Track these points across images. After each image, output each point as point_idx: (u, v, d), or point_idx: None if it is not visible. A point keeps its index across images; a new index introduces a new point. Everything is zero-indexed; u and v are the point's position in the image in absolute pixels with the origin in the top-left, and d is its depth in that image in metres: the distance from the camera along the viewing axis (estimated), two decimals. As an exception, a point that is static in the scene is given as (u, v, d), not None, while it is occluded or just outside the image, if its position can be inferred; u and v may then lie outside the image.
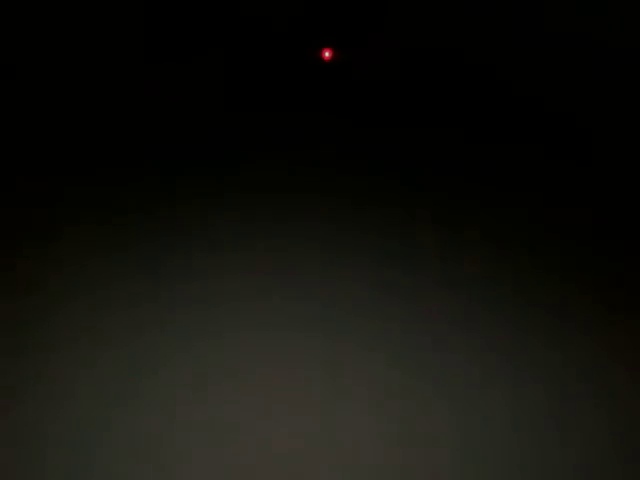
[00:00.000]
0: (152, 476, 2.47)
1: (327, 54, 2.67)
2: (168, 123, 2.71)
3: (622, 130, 2.72)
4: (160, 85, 2.72)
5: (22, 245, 2.60)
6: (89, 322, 2.56)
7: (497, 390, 2.57)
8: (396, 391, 2.57)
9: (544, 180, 2.72)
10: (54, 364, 2.53)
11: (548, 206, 2.70)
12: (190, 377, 2.54)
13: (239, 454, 2.50)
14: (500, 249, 2.68)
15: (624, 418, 2.56)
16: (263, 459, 2.50)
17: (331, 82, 2.74)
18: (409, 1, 2.64)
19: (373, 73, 2.74)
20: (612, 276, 2.65)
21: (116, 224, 2.63)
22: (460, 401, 2.56)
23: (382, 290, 2.63)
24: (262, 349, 2.58)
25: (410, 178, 2.71)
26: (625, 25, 2.52)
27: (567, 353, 2.60)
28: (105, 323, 2.57)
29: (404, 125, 2.74)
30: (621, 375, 2.58)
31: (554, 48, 2.64)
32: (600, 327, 2.62)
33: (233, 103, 2.74)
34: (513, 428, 2.54)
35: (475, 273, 2.65)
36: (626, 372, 2.58)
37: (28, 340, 2.54)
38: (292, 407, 2.55)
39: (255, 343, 2.58)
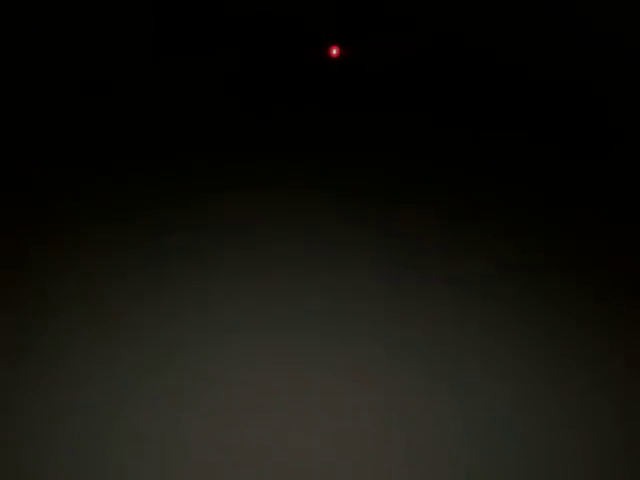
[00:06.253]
0: (154, 473, 2.47)
1: (334, 51, 2.67)
2: (171, 122, 2.71)
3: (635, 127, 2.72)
4: (164, 84, 2.72)
5: (22, 245, 2.61)
6: (89, 322, 2.57)
7: (502, 388, 2.58)
8: (399, 389, 2.57)
9: (550, 178, 2.72)
10: (55, 364, 2.54)
11: (551, 205, 2.70)
12: (191, 377, 2.54)
13: (240, 453, 2.50)
14: (503, 248, 2.68)
15: (625, 414, 2.56)
16: (263, 458, 2.50)
17: (337, 79, 2.74)
18: None
19: (379, 70, 2.74)
20: (614, 275, 2.66)
21: (117, 224, 2.64)
22: (465, 398, 2.56)
23: (385, 288, 2.64)
24: (264, 348, 2.58)
25: (416, 175, 2.71)
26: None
27: (569, 350, 2.61)
28: (106, 323, 2.57)
29: (407, 123, 2.74)
30: (621, 371, 2.59)
31: (564, 40, 2.63)
32: (602, 325, 2.62)
33: (238, 101, 2.74)
34: (518, 428, 2.55)
35: (479, 271, 2.65)
36: (626, 367, 2.59)
37: (29, 340, 2.54)
38: (293, 406, 2.55)
39: (257, 341, 2.59)
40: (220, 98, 2.73)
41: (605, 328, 2.62)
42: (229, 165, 2.70)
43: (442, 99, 2.75)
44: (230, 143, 2.71)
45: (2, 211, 2.61)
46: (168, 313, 2.59)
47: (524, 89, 2.75)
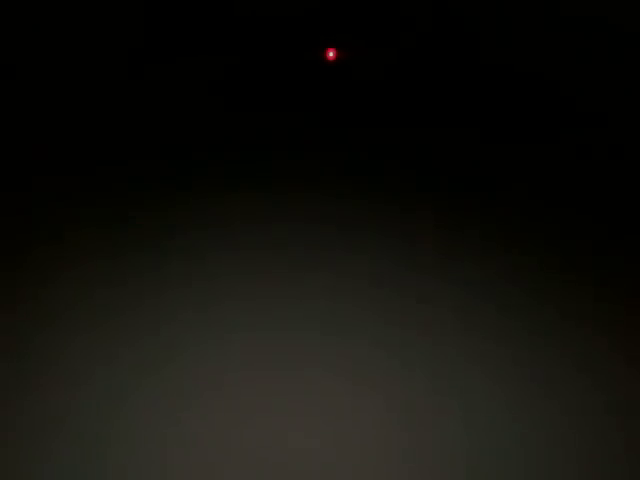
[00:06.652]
0: (154, 473, 2.47)
1: (331, 54, 2.68)
2: (168, 123, 2.72)
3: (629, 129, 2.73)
4: (163, 86, 2.73)
5: (23, 246, 2.61)
6: (90, 323, 2.57)
7: (502, 389, 2.58)
8: (399, 390, 2.57)
9: (549, 179, 2.72)
10: (55, 364, 2.53)
11: (551, 207, 2.71)
12: (191, 378, 2.54)
13: (240, 453, 2.50)
14: (503, 249, 2.68)
15: (625, 417, 2.56)
16: (263, 458, 2.50)
17: (333, 82, 2.74)
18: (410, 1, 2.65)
19: (374, 73, 2.75)
20: (613, 276, 2.66)
21: (116, 226, 2.64)
22: (465, 399, 2.56)
23: (385, 289, 2.64)
24: (264, 349, 2.58)
25: (412, 178, 2.72)
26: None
27: (569, 351, 2.61)
28: (106, 323, 2.57)
29: (405, 125, 2.74)
30: (621, 372, 2.59)
31: (565, 42, 2.64)
32: (601, 325, 2.62)
33: (235, 103, 2.74)
34: (518, 429, 2.54)
35: (479, 273, 2.65)
36: (626, 368, 2.58)
37: (29, 340, 2.54)
38: (293, 407, 2.55)
39: (257, 343, 2.59)
40: (219, 100, 2.74)
41: (605, 329, 2.62)
42: (228, 167, 2.71)
43: (440, 101, 2.75)
44: (229, 145, 2.72)
45: (2, 212, 2.62)
46: (168, 314, 2.59)
47: (523, 91, 2.76)
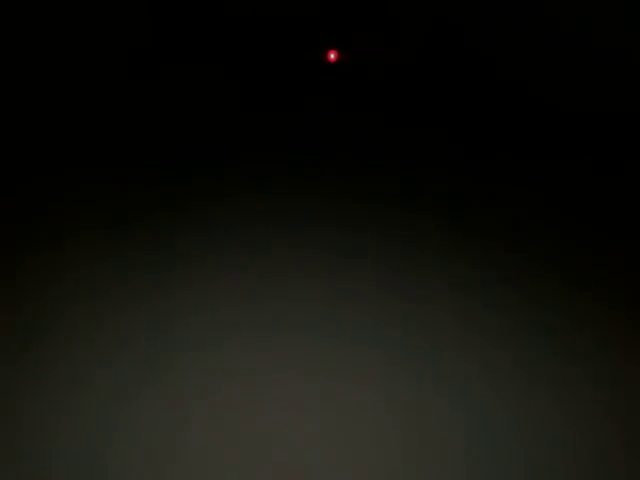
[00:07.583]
0: (154, 474, 2.47)
1: (332, 56, 2.67)
2: (169, 124, 2.72)
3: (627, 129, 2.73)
4: (163, 87, 2.73)
5: (23, 247, 2.61)
6: (90, 325, 2.57)
7: (499, 390, 2.58)
8: (399, 393, 2.57)
9: (549, 182, 2.72)
10: (55, 366, 2.53)
11: (549, 206, 2.71)
12: (191, 380, 2.54)
13: (240, 454, 2.50)
14: (503, 252, 2.68)
15: (625, 417, 2.56)
16: (263, 458, 2.50)
17: (334, 82, 2.74)
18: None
19: (375, 73, 2.75)
20: (613, 276, 2.66)
21: (117, 227, 2.64)
22: (465, 403, 2.56)
23: (385, 293, 2.64)
24: (264, 351, 2.58)
25: (415, 181, 2.72)
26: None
27: (569, 353, 2.61)
28: (106, 326, 2.57)
29: (406, 125, 2.74)
30: (622, 373, 2.59)
31: (555, 45, 2.64)
32: (601, 325, 2.62)
33: (235, 103, 2.74)
34: (518, 432, 2.55)
35: (479, 276, 2.65)
36: (626, 369, 2.59)
37: (30, 342, 2.54)
38: (294, 409, 2.55)
39: (257, 345, 2.59)
40: (219, 101, 2.74)
41: (605, 329, 2.62)
42: (229, 167, 2.71)
43: (441, 103, 2.75)
44: (229, 146, 2.72)
45: (3, 213, 2.62)
46: (168, 316, 2.59)
47: (523, 94, 2.76)
